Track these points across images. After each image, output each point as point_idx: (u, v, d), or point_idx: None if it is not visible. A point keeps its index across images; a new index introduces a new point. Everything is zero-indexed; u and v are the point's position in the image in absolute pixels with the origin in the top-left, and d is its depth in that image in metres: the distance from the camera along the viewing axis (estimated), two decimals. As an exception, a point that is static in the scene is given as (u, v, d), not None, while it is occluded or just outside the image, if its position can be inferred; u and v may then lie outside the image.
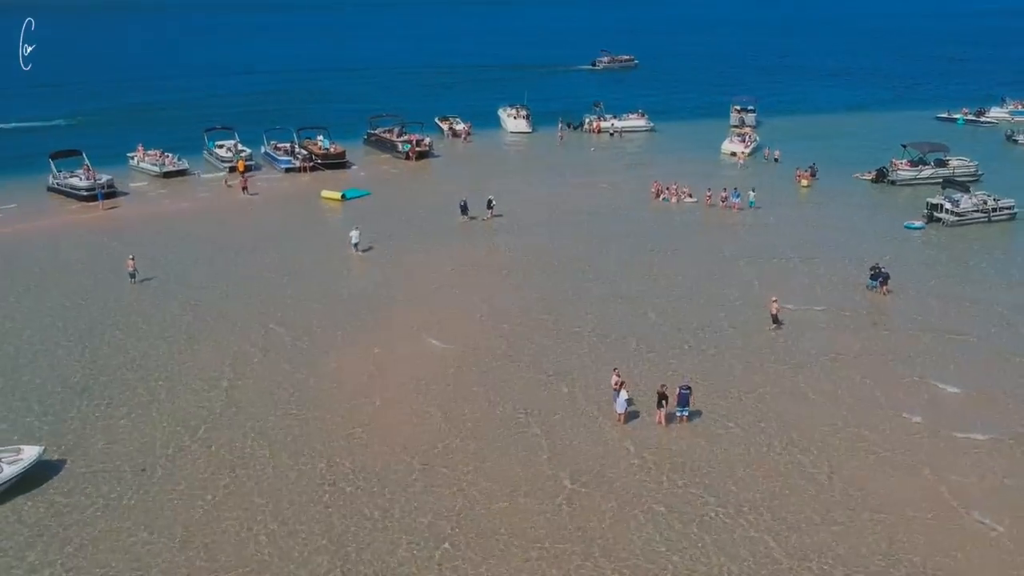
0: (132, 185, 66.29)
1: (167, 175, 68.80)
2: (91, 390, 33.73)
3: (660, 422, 30.94)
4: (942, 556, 23.93)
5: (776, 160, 74.02)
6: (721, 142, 79.94)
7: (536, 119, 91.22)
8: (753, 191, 59.86)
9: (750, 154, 76.73)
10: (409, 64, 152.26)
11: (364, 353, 36.87)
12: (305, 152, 73.03)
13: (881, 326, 39.69)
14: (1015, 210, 56.38)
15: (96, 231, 55.51)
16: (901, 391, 33.21)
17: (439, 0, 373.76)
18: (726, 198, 59.35)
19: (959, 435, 30.04)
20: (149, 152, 71.45)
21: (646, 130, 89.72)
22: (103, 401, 32.87)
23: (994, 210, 56.02)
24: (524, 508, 26.22)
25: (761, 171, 70.97)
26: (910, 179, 65.97)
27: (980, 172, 66.69)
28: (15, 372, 35.45)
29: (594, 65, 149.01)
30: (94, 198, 61.19)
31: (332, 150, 73.59)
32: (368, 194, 63.92)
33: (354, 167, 73.36)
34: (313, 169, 71.19)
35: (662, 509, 26.08)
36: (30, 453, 27.98)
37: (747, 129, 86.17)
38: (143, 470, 28.37)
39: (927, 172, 66.31)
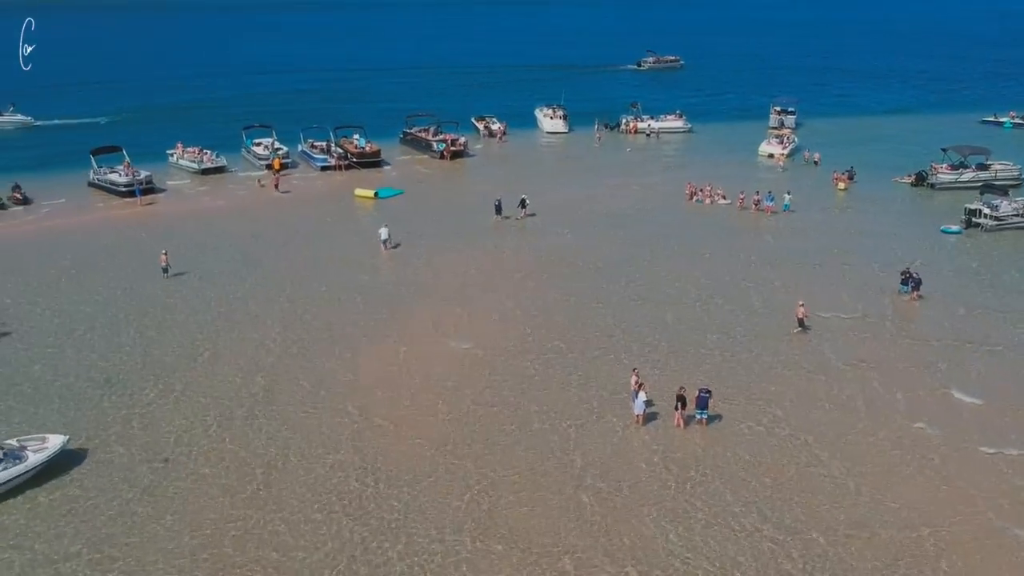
0: (170, 183, 67.34)
1: (205, 172, 69.84)
2: (117, 381, 34.36)
3: (679, 424, 30.75)
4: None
5: (816, 163, 73.08)
6: (759, 144, 79.14)
7: (574, 119, 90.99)
8: (788, 194, 59.15)
9: (788, 156, 75.83)
10: (451, 64, 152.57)
11: (390, 350, 37.16)
12: (341, 151, 73.62)
13: (907, 333, 38.99)
14: (1057, 215, 55.11)
15: (132, 226, 56.50)
16: (922, 400, 32.64)
17: (486, 1, 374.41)
18: (759, 201, 58.71)
19: (984, 449, 29.39)
20: (188, 149, 72.52)
21: (683, 131, 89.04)
22: (128, 392, 33.48)
23: (1035, 215, 54.85)
24: (541, 504, 26.35)
25: (800, 174, 70.16)
26: (950, 183, 64.79)
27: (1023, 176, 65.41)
28: (44, 361, 36.25)
29: (639, 65, 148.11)
30: (132, 194, 62.36)
31: (367, 149, 74.09)
32: (401, 193, 64.30)
33: (388, 166, 73.85)
34: (348, 168, 71.76)
35: (678, 511, 26.03)
36: (55, 442, 28.60)
37: (785, 131, 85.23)
38: (166, 460, 28.89)
39: (968, 176, 65.09)
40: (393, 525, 25.45)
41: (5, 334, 38.93)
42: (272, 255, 50.04)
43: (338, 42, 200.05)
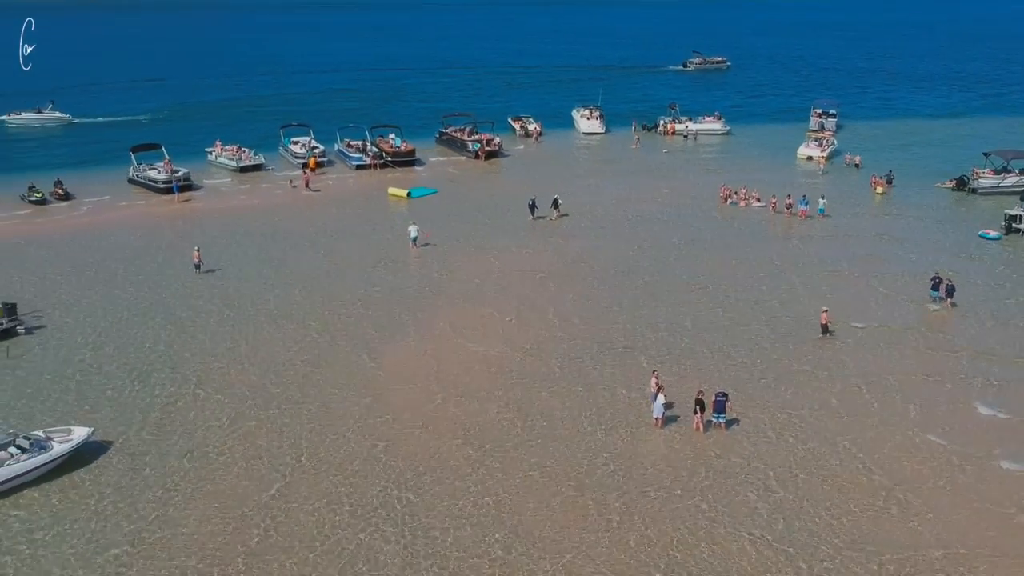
0: (207, 180, 68.30)
1: (243, 170, 70.80)
2: (145, 374, 35.01)
3: (698, 428, 30.57)
4: None
5: (857, 166, 71.97)
6: (798, 147, 78.18)
7: (612, 120, 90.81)
8: (823, 198, 58.36)
9: (828, 159, 74.80)
10: (490, 64, 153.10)
11: (416, 347, 37.51)
12: (376, 150, 74.15)
13: (932, 344, 38.04)
14: (1101, 222, 53.72)
15: (168, 223, 57.54)
16: (942, 413, 31.94)
17: (533, 1, 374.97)
18: (791, 204, 57.99)
19: (1006, 464, 28.73)
20: (226, 147, 73.59)
21: (721, 133, 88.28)
22: (155, 385, 34.10)
23: (1078, 222, 53.53)
24: (562, 505, 26.50)
25: (840, 177, 69.25)
26: (992, 188, 63.42)
27: (1070, 181, 63.97)
28: (74, 353, 37.06)
29: (685, 66, 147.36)
30: (170, 190, 63.42)
31: (403, 148, 74.55)
32: (435, 192, 64.61)
33: (423, 165, 74.23)
34: (383, 167, 72.26)
35: (695, 512, 26.06)
36: (79, 433, 29.24)
37: (826, 133, 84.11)
38: (190, 452, 29.37)
39: (1011, 180, 63.65)
40: (414, 522, 25.69)
41: (41, 326, 39.86)
42: (304, 253, 50.58)
43: (377, 42, 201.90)
